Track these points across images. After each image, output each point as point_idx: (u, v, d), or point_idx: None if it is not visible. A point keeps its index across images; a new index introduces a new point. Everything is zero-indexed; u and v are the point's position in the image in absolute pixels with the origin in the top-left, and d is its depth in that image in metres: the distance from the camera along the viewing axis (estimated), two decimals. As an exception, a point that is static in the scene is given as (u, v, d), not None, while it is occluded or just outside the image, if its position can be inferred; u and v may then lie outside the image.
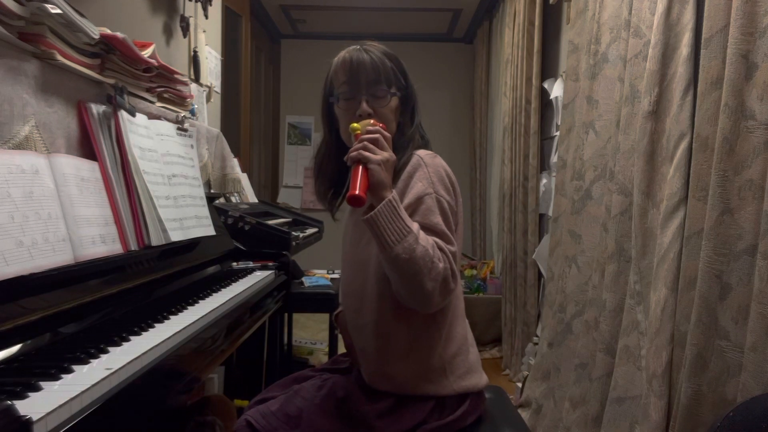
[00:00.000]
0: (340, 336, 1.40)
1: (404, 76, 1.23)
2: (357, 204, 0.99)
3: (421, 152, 1.16)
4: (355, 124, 1.12)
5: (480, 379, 1.21)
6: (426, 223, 1.07)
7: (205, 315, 1.27)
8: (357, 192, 0.99)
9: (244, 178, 2.93)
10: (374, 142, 1.06)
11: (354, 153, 1.04)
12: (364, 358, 1.20)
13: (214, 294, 1.49)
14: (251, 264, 2.02)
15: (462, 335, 1.21)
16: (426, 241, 1.03)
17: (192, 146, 1.82)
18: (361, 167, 1.03)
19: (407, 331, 1.15)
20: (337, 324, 1.38)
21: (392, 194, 1.03)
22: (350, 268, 1.25)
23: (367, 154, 1.03)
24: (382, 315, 1.15)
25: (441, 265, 1.03)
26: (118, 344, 1.01)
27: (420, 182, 1.11)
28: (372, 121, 1.12)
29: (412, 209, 1.09)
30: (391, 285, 1.10)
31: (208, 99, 2.73)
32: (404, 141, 1.19)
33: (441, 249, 1.05)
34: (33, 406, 0.73)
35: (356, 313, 1.22)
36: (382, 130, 1.09)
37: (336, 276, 2.84)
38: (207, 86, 2.71)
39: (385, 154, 1.05)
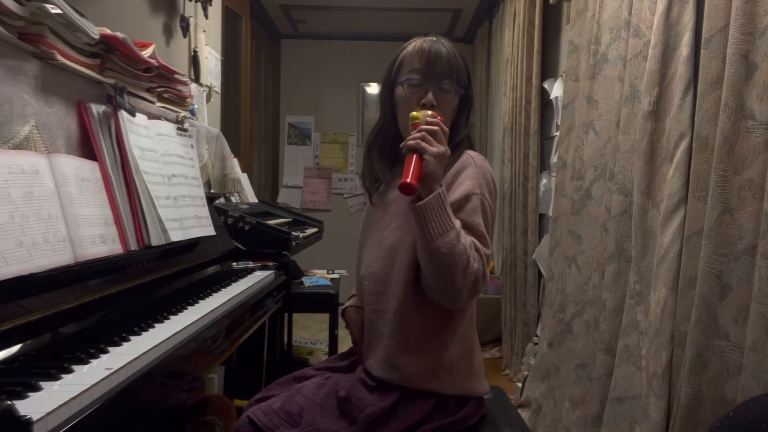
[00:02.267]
0: (340, 336, 1.40)
1: (469, 78, 1.25)
2: (408, 192, 1.02)
3: (472, 153, 1.20)
4: (415, 113, 1.14)
5: (482, 385, 1.23)
6: (468, 222, 1.09)
7: (205, 315, 1.27)
8: (409, 180, 1.01)
9: (244, 178, 2.93)
10: (432, 134, 1.07)
11: (412, 142, 1.06)
12: (377, 343, 1.20)
13: (214, 294, 1.49)
14: (251, 264, 2.02)
15: (472, 339, 1.24)
16: (465, 239, 1.06)
17: (192, 146, 1.82)
18: (416, 157, 1.04)
19: (424, 323, 1.16)
20: (344, 319, 1.38)
21: (441, 188, 1.06)
22: (375, 249, 1.25)
23: (424, 144, 1.05)
24: (404, 302, 1.16)
25: (476, 265, 1.05)
26: (118, 344, 1.01)
27: (469, 180, 1.14)
28: (431, 113, 1.14)
29: (458, 205, 1.11)
30: (421, 276, 1.11)
31: (208, 99, 2.73)
32: (457, 139, 1.21)
33: (477, 250, 1.07)
34: (33, 406, 0.73)
35: (376, 296, 1.22)
36: (441, 124, 1.10)
37: (336, 276, 2.84)
38: (207, 86, 2.71)
39: (442, 148, 1.07)
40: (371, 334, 1.22)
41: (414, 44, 1.23)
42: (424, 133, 1.07)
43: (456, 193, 1.12)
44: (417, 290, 1.14)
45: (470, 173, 1.15)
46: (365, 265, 1.27)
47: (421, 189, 1.04)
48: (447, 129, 1.12)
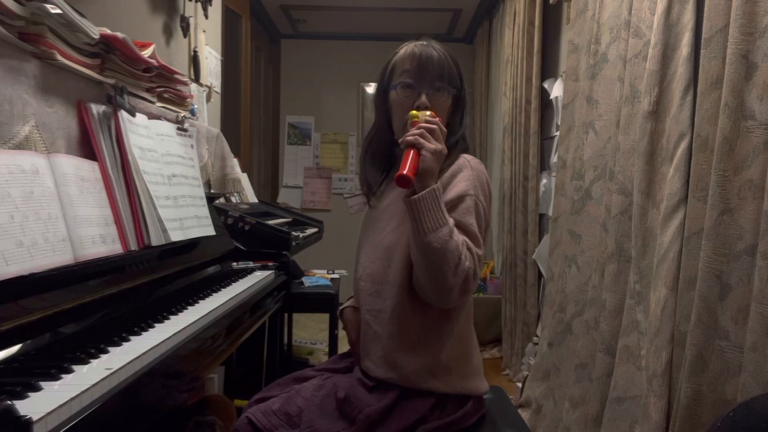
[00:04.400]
0: (340, 336, 1.40)
1: (461, 79, 1.27)
2: (404, 185, 1.04)
3: (468, 156, 1.22)
4: (415, 112, 1.17)
5: (481, 384, 1.23)
6: (461, 222, 1.11)
7: (205, 315, 1.27)
8: (406, 172, 1.03)
9: (244, 178, 2.93)
10: (431, 132, 1.10)
11: (410, 137, 1.09)
12: (374, 344, 1.20)
13: (214, 294, 1.49)
14: (251, 264, 2.02)
15: (469, 338, 1.24)
16: (458, 237, 1.07)
17: (192, 146, 1.82)
18: (413, 152, 1.07)
19: (421, 322, 1.17)
20: (342, 320, 1.38)
21: (437, 185, 1.08)
22: (372, 251, 1.26)
23: (423, 141, 1.08)
24: (401, 302, 1.17)
25: (467, 263, 1.06)
26: (118, 344, 1.01)
27: (464, 182, 1.15)
28: (431, 113, 1.17)
29: (452, 205, 1.12)
30: (413, 273, 1.13)
31: (208, 99, 2.73)
32: (452, 140, 1.22)
33: (469, 249, 1.08)
34: (33, 406, 0.73)
35: (373, 296, 1.23)
36: (440, 124, 1.13)
37: (336, 276, 2.85)
38: (207, 86, 2.71)
39: (439, 146, 1.10)
40: (368, 334, 1.23)
41: (405, 48, 1.25)
42: (422, 130, 1.10)
43: (450, 194, 1.14)
44: (413, 290, 1.15)
45: (465, 175, 1.16)
46: (362, 266, 1.28)
47: (416, 184, 1.07)
48: (445, 129, 1.15)
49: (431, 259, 1.05)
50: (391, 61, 1.26)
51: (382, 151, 1.32)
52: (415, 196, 1.06)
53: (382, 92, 1.28)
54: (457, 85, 1.25)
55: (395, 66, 1.25)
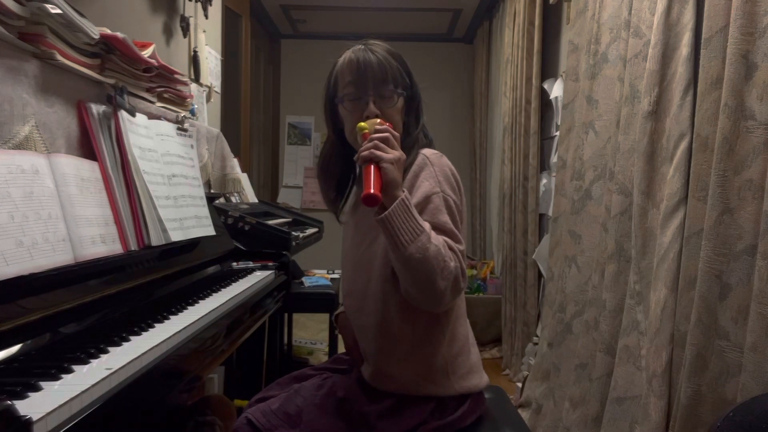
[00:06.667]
0: (340, 336, 1.41)
1: (409, 75, 1.22)
2: (372, 203, 0.98)
3: (427, 151, 1.16)
4: (363, 124, 1.11)
5: (481, 379, 1.21)
6: (434, 222, 1.07)
7: (205, 315, 1.27)
8: (372, 191, 0.97)
9: (244, 178, 2.93)
10: (384, 141, 1.04)
11: (365, 152, 1.03)
12: (368, 357, 1.20)
13: (214, 294, 1.49)
14: (251, 264, 2.01)
15: (464, 335, 1.22)
16: (437, 240, 1.03)
17: (192, 146, 1.82)
18: (373, 166, 1.01)
19: (411, 331, 1.15)
20: (337, 325, 1.38)
21: (404, 193, 1.03)
22: (352, 269, 1.25)
23: (379, 153, 1.02)
24: (387, 315, 1.15)
25: (452, 264, 1.03)
26: (118, 344, 1.01)
27: (427, 181, 1.11)
28: (379, 121, 1.12)
29: (420, 208, 1.08)
30: (400, 285, 1.09)
31: (208, 99, 2.73)
32: (410, 141, 1.18)
33: (451, 248, 1.05)
34: (33, 406, 0.73)
35: (358, 313, 1.22)
36: (391, 130, 1.08)
37: (336, 276, 2.84)
38: (207, 86, 2.71)
39: (397, 153, 1.04)
40: (362, 347, 1.23)
41: (344, 57, 1.20)
42: (375, 141, 1.04)
43: (416, 197, 1.09)
44: (396, 301, 1.12)
45: (427, 174, 1.12)
46: (346, 283, 1.27)
47: (384, 198, 1.01)
48: (398, 134, 1.10)
49: (416, 269, 1.01)
50: (333, 72, 1.21)
51: (339, 166, 1.28)
52: (386, 213, 0.99)
53: (330, 105, 1.23)
54: (406, 84, 1.20)
55: (337, 78, 1.20)
